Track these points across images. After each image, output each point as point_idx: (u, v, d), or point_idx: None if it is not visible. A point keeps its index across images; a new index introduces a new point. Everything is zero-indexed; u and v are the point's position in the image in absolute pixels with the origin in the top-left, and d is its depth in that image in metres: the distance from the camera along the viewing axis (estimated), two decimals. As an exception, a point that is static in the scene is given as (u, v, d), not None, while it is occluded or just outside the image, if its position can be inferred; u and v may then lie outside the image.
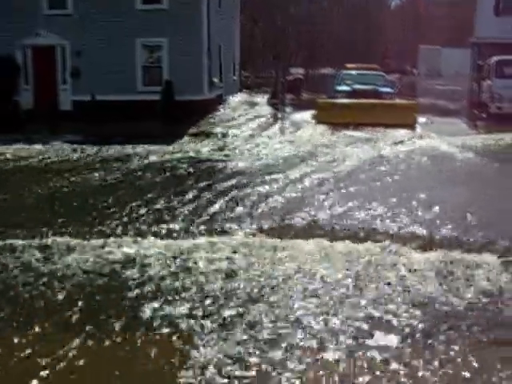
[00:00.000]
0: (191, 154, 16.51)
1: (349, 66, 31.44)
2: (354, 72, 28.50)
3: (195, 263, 7.65)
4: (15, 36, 25.22)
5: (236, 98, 30.90)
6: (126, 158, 16.03)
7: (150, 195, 11.53)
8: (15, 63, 25.88)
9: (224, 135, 19.87)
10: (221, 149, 17.22)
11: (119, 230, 9.18)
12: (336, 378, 5.12)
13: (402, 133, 19.59)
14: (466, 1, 49.11)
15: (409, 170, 14.15)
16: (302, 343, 5.67)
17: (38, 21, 25.39)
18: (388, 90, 26.21)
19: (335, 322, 6.10)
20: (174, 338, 5.81)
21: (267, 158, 15.71)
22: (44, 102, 25.77)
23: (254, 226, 9.29)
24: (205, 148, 17.47)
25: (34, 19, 25.28)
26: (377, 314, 6.26)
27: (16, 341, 5.79)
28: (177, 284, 7.05)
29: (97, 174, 13.85)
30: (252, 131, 20.56)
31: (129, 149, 17.32)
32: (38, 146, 18.17)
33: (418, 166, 14.66)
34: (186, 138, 19.27)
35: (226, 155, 16.19)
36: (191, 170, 14.27)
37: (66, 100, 25.85)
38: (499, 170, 14.24)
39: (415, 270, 7.44)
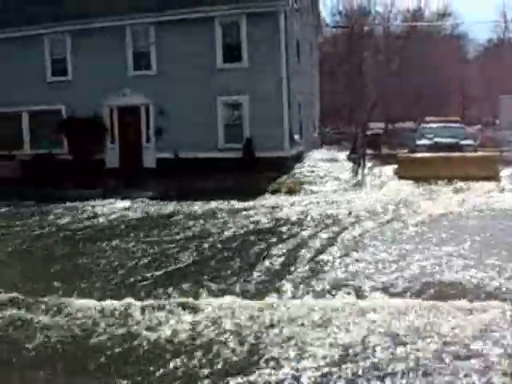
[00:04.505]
0: (272, 209, 16.50)
1: (429, 119, 31.07)
2: (434, 125, 28.14)
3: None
4: (103, 96, 26.27)
5: (316, 154, 30.90)
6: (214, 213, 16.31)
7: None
8: (101, 123, 26.79)
9: (305, 191, 19.80)
10: (301, 205, 17.11)
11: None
12: None
13: (484, 187, 19.05)
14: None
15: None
16: None
17: (124, 81, 26.35)
18: (469, 142, 25.81)
19: None
20: None
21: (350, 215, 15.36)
22: (129, 160, 26.54)
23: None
24: (287, 203, 17.40)
25: (120, 80, 26.27)
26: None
27: None
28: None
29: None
30: (334, 187, 20.42)
31: (215, 204, 17.60)
32: (123, 204, 18.65)
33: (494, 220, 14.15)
34: (267, 195, 19.29)
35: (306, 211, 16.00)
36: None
37: (150, 158, 26.48)
38: None
39: None
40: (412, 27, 55.74)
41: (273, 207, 16.81)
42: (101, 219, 16.24)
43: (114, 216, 16.58)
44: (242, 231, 13.68)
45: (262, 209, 16.60)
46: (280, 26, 25.04)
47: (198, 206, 17.49)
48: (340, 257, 10.81)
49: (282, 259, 10.84)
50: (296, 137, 26.94)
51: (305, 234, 13.06)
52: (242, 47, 25.46)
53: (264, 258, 10.92)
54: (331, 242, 12.07)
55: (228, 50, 25.76)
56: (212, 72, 25.55)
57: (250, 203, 17.60)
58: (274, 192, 19.78)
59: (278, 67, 25.13)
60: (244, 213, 16.07)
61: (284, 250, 11.48)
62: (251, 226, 14.22)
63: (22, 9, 27.31)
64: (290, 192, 19.65)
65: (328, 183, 21.45)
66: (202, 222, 15.10)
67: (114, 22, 26.32)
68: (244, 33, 25.35)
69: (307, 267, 10.19)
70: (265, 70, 24.99)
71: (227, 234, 13.47)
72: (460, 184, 19.61)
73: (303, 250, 11.43)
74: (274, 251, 11.43)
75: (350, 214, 15.18)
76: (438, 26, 59.40)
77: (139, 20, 26.30)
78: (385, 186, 20.49)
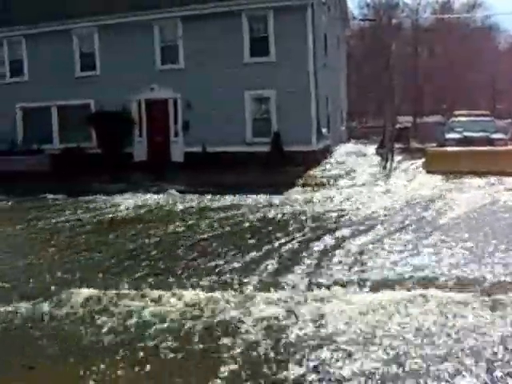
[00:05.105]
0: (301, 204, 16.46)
1: (458, 112, 30.80)
2: (463, 119, 27.89)
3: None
4: (131, 91, 26.42)
5: (344, 148, 30.83)
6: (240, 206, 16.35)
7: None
8: (130, 117, 26.96)
9: (333, 186, 19.71)
10: (330, 199, 17.03)
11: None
12: None
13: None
14: None
15: None
16: None
17: (152, 76, 26.47)
18: (500, 136, 25.52)
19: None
20: None
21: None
22: (157, 154, 26.71)
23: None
24: (317, 198, 17.32)
25: (148, 74, 26.40)
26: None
27: None
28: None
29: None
30: (361, 182, 20.27)
31: (243, 198, 17.67)
32: (152, 195, 18.85)
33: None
34: (296, 189, 19.25)
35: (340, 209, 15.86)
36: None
37: (178, 152, 26.59)
38: None
39: None
40: (441, 19, 55.23)
41: (304, 202, 16.75)
42: (133, 211, 16.41)
43: (142, 209, 16.71)
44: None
45: (294, 203, 16.57)
46: (307, 20, 24.95)
47: (227, 200, 17.49)
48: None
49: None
50: (324, 131, 26.87)
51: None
52: (269, 41, 25.41)
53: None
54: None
55: (255, 44, 25.71)
56: (239, 66, 25.55)
57: (281, 197, 17.57)
58: (302, 186, 19.72)
59: (306, 61, 25.05)
60: (273, 207, 16.08)
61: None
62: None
63: (50, 4, 27.53)
64: (318, 186, 19.58)
65: (355, 178, 21.28)
66: (233, 213, 15.21)
67: (142, 16, 26.44)
68: (271, 27, 25.30)
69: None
70: (292, 64, 24.92)
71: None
72: (490, 179, 19.27)
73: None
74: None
75: (373, 212, 14.85)
76: (467, 17, 58.75)
77: (166, 14, 26.38)
78: (413, 180, 20.28)
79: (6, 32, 28.73)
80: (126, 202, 17.68)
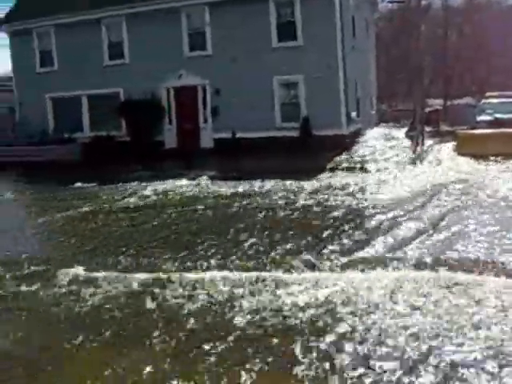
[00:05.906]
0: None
1: (489, 94, 30.32)
2: (495, 100, 27.44)
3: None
4: (159, 78, 26.55)
5: (374, 132, 30.60)
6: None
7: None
8: (159, 104, 27.07)
9: (363, 170, 19.62)
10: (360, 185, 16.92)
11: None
12: None
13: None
14: None
15: None
16: None
17: (180, 63, 26.53)
18: (534, 117, 25.09)
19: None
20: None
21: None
22: (186, 141, 26.80)
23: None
24: (347, 183, 17.24)
25: (176, 61, 26.48)
26: None
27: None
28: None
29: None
30: (391, 166, 20.11)
31: (273, 183, 17.67)
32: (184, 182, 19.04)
33: None
34: (325, 174, 19.17)
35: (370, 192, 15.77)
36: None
37: (207, 138, 26.65)
38: None
39: None
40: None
41: (335, 188, 16.71)
42: (170, 196, 16.67)
43: (178, 196, 16.84)
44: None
45: (324, 189, 16.50)
46: (335, 3, 24.72)
47: (256, 186, 17.51)
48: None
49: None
50: (353, 114, 26.70)
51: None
52: (296, 26, 25.25)
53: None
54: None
55: (282, 28, 25.57)
56: (267, 51, 25.46)
57: (312, 182, 17.51)
58: (332, 170, 19.66)
59: (334, 45, 24.86)
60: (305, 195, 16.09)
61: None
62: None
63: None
64: (348, 170, 19.52)
65: (385, 161, 21.05)
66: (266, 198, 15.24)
67: (169, 3, 26.47)
68: (298, 11, 25.13)
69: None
70: (320, 48, 24.76)
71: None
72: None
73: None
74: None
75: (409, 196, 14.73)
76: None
77: (194, 1, 26.38)
78: (442, 163, 20.01)
79: (35, 23, 29.04)
80: (160, 189, 17.88)
